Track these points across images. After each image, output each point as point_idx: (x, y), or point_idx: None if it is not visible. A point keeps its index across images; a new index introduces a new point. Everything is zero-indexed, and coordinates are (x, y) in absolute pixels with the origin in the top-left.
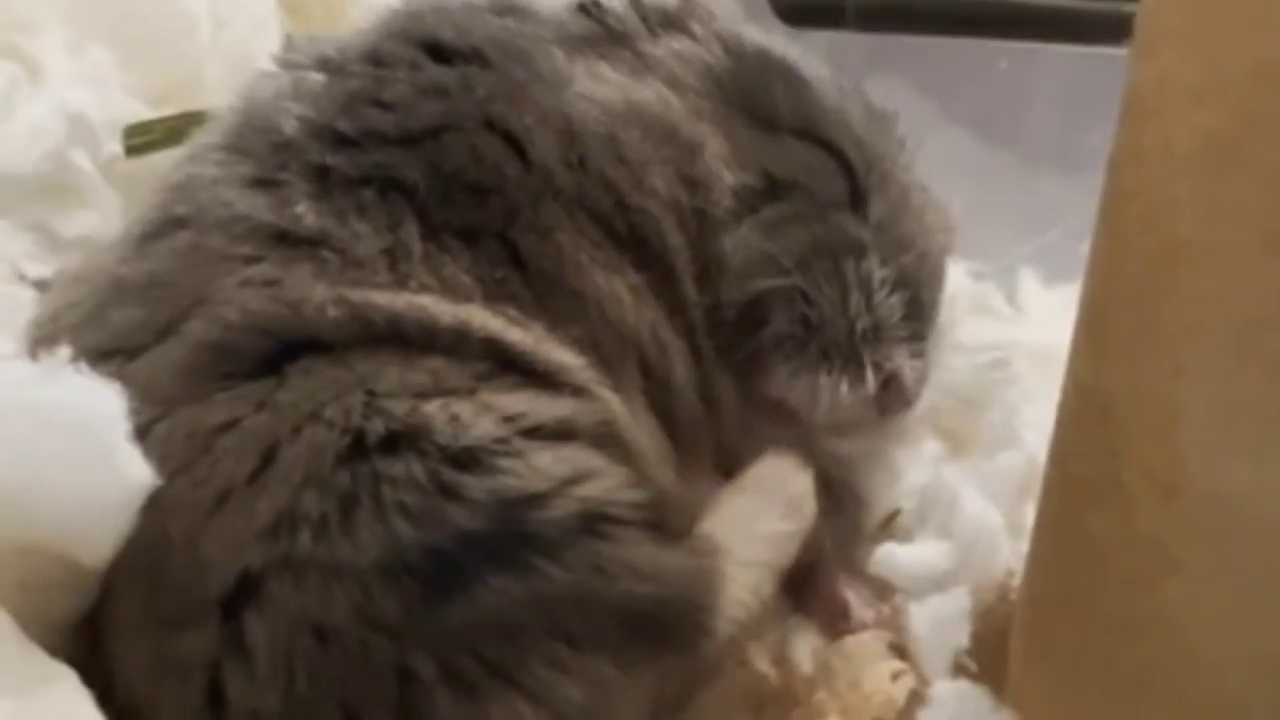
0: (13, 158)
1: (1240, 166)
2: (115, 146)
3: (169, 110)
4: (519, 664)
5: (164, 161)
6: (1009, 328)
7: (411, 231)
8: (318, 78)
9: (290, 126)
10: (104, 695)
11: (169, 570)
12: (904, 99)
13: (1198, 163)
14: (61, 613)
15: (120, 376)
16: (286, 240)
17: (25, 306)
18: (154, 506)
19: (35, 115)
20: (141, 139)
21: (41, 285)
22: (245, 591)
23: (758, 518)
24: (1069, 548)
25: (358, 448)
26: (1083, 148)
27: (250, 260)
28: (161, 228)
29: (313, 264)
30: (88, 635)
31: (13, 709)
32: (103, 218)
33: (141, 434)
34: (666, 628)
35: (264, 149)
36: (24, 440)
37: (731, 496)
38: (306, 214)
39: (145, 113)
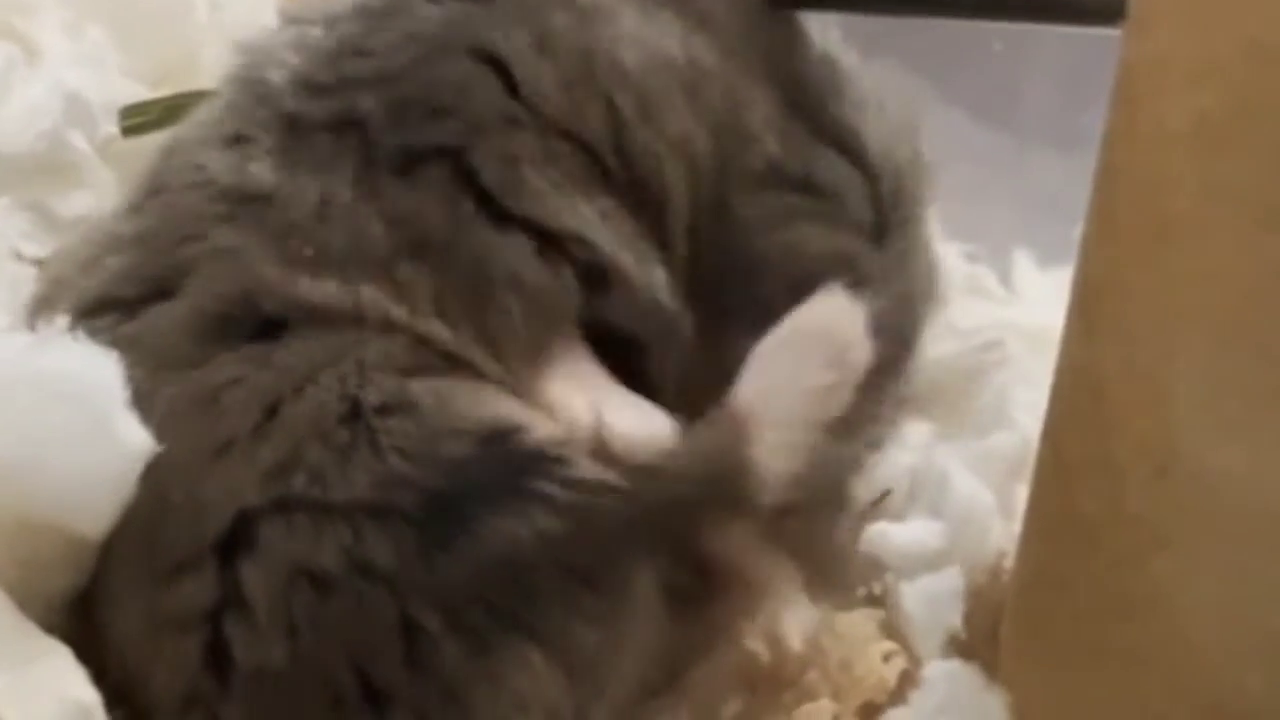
0: (10, 138)
1: (1233, 146)
2: (112, 127)
3: (166, 91)
4: (528, 608)
5: (159, 142)
6: (1002, 309)
7: (345, 176)
8: (316, 32)
9: (276, 79)
10: (99, 673)
11: (166, 525)
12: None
13: (1191, 142)
14: (58, 589)
15: (119, 334)
16: (246, 199)
17: (22, 284)
18: (154, 469)
19: (32, 96)
20: (138, 119)
21: (39, 264)
22: (241, 537)
23: (796, 371)
24: (1060, 527)
25: (355, 411)
26: (1079, 129)
27: (222, 219)
28: (149, 190)
29: (262, 230)
30: (82, 611)
31: (6, 685)
32: (99, 198)
33: (146, 397)
34: (696, 521)
35: (249, 104)
36: (22, 413)
37: (769, 349)
38: (263, 171)
39: (142, 94)
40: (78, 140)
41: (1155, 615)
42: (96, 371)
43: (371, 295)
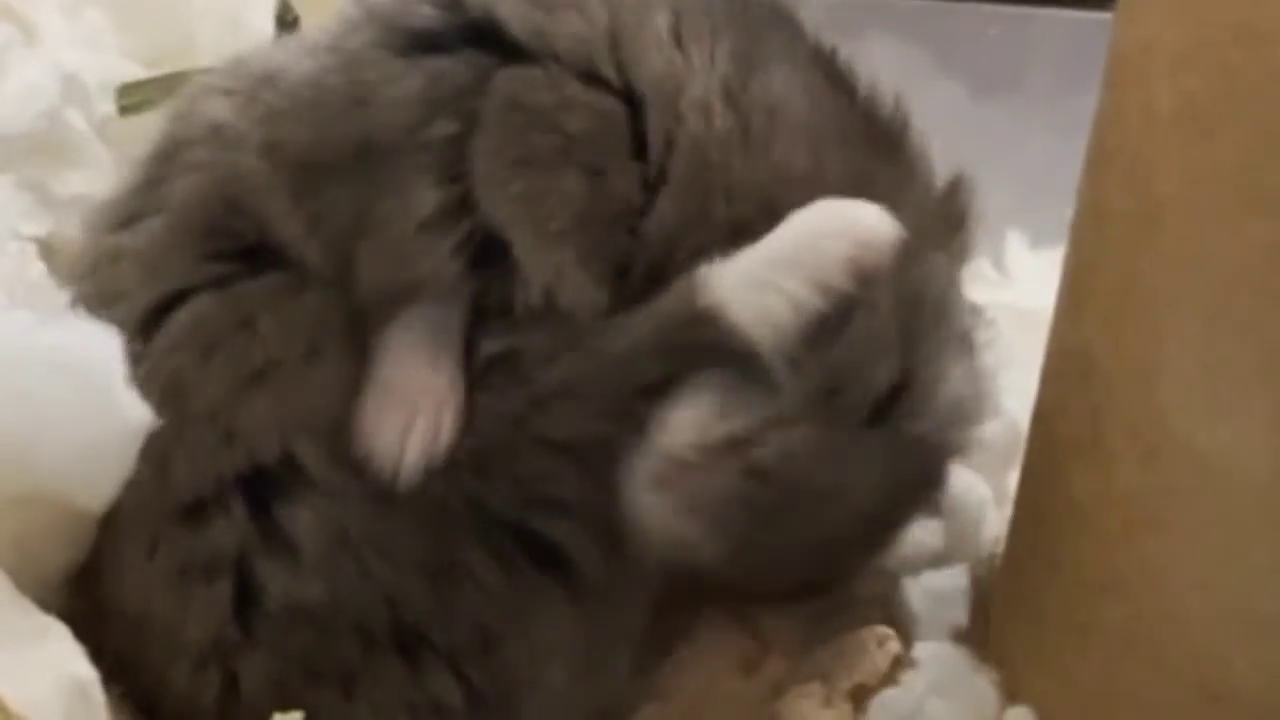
0: (8, 118)
1: (1220, 129)
2: (109, 107)
3: (162, 71)
4: (537, 515)
5: (156, 121)
6: (993, 291)
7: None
8: None
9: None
10: (96, 651)
11: (177, 463)
12: (897, 51)
13: (1179, 125)
14: (55, 565)
15: (119, 249)
16: (257, 68)
17: (24, 263)
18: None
19: (30, 76)
20: (134, 99)
21: (37, 242)
22: (285, 475)
23: (786, 227)
24: (1051, 507)
25: None
26: (1076, 111)
27: (222, 92)
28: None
29: (252, 108)
30: (80, 587)
31: (4, 662)
32: (97, 176)
33: (153, 320)
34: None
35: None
36: (24, 389)
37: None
38: (286, 59)
39: (139, 74)
40: (76, 120)
41: (1144, 595)
42: (98, 347)
43: (317, 251)
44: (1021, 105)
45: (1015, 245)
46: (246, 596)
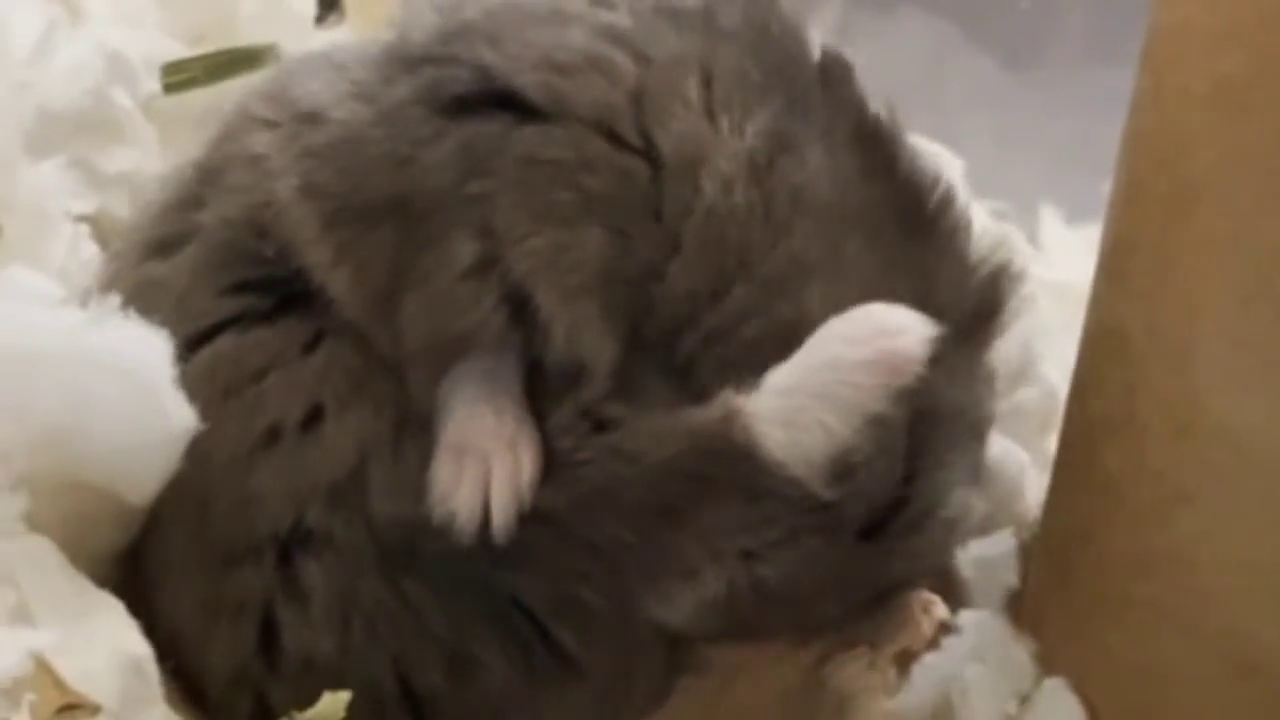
0: (54, 96)
1: (1254, 110)
2: (154, 84)
3: (205, 49)
4: (561, 610)
5: (201, 99)
6: (1029, 266)
7: (386, 101)
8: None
9: (425, 17)
10: (148, 627)
11: (216, 505)
12: (928, 25)
13: (1212, 106)
14: (105, 546)
15: (154, 281)
16: (299, 106)
17: (78, 243)
18: (200, 434)
19: (75, 54)
20: (179, 77)
21: (85, 220)
22: (300, 533)
23: (820, 347)
24: (1086, 483)
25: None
26: (1108, 85)
27: (264, 125)
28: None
29: (293, 144)
30: (131, 568)
31: (61, 636)
32: (142, 154)
33: (183, 354)
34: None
35: (381, 46)
36: (73, 383)
37: (815, 338)
38: (322, 92)
39: (182, 52)
40: (121, 98)
41: (1176, 569)
42: (146, 350)
43: (343, 281)
44: (1052, 79)
45: (1050, 220)
46: (270, 636)
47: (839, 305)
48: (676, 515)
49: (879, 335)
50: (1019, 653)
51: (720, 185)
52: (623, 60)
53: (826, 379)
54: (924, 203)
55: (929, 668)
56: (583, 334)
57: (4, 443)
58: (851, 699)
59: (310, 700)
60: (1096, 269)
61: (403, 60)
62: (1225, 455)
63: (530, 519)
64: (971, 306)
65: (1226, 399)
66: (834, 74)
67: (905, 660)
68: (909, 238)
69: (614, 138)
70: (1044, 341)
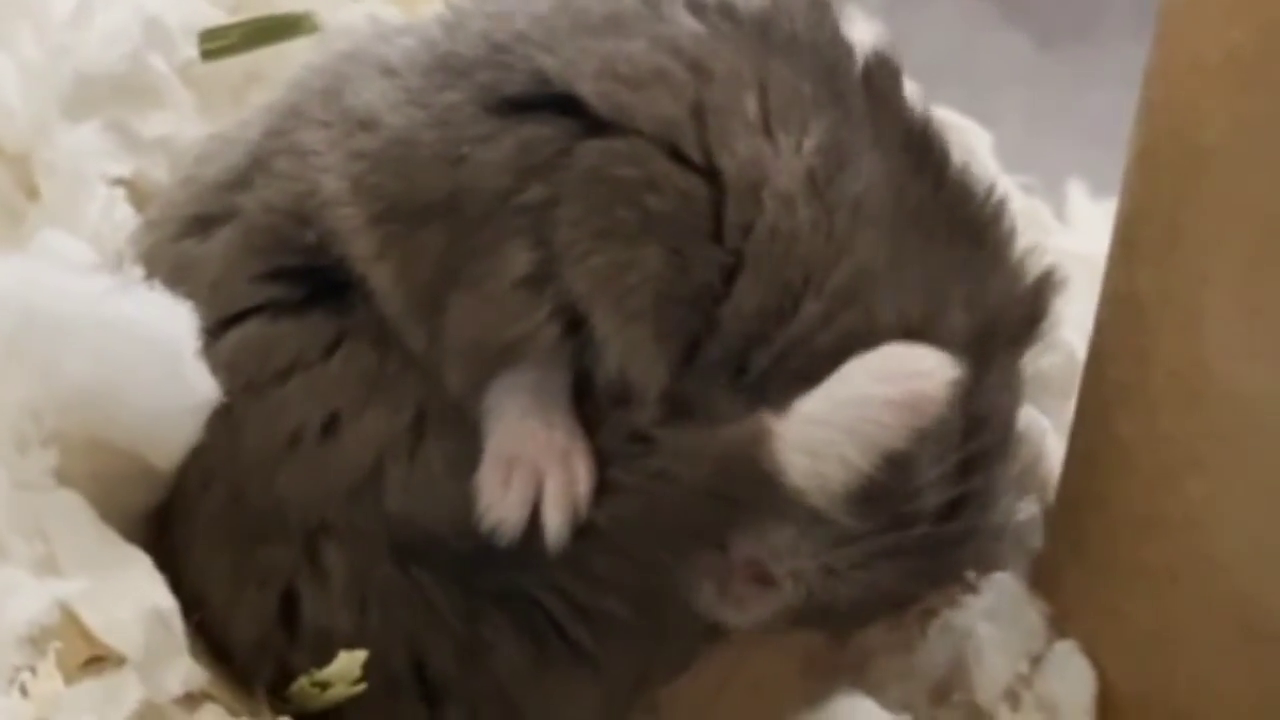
0: (92, 60)
1: (1264, 80)
2: (191, 51)
3: (243, 16)
4: (581, 614)
5: (238, 66)
6: (1055, 239)
7: (439, 111)
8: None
9: (473, 23)
10: (175, 582)
11: (247, 488)
12: (963, 2)
13: (1224, 77)
14: (133, 504)
15: (190, 260)
16: (353, 116)
17: (113, 207)
18: (226, 417)
19: (113, 20)
20: (217, 44)
21: (122, 183)
22: (322, 526)
23: (848, 382)
24: (1100, 448)
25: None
26: (1141, 62)
27: (316, 124)
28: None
29: (346, 142)
30: (159, 526)
31: (89, 588)
32: (179, 119)
33: (213, 335)
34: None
35: (429, 43)
36: (100, 349)
37: (842, 372)
38: (380, 105)
39: (220, 18)
40: (158, 63)
41: (1187, 534)
42: (171, 321)
43: (385, 275)
44: (1086, 56)
45: (1076, 195)
46: (291, 609)
47: (904, 311)
48: (712, 535)
49: (909, 376)
50: (1032, 614)
51: (782, 204)
52: (683, 74)
53: (853, 414)
54: (979, 209)
55: (946, 626)
56: (636, 357)
57: (35, 400)
58: (872, 656)
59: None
60: (1112, 238)
61: (454, 69)
62: (1235, 421)
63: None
64: (1019, 313)
65: (1236, 366)
66: (882, 79)
67: (926, 618)
68: (963, 242)
69: (677, 155)
70: (1067, 310)
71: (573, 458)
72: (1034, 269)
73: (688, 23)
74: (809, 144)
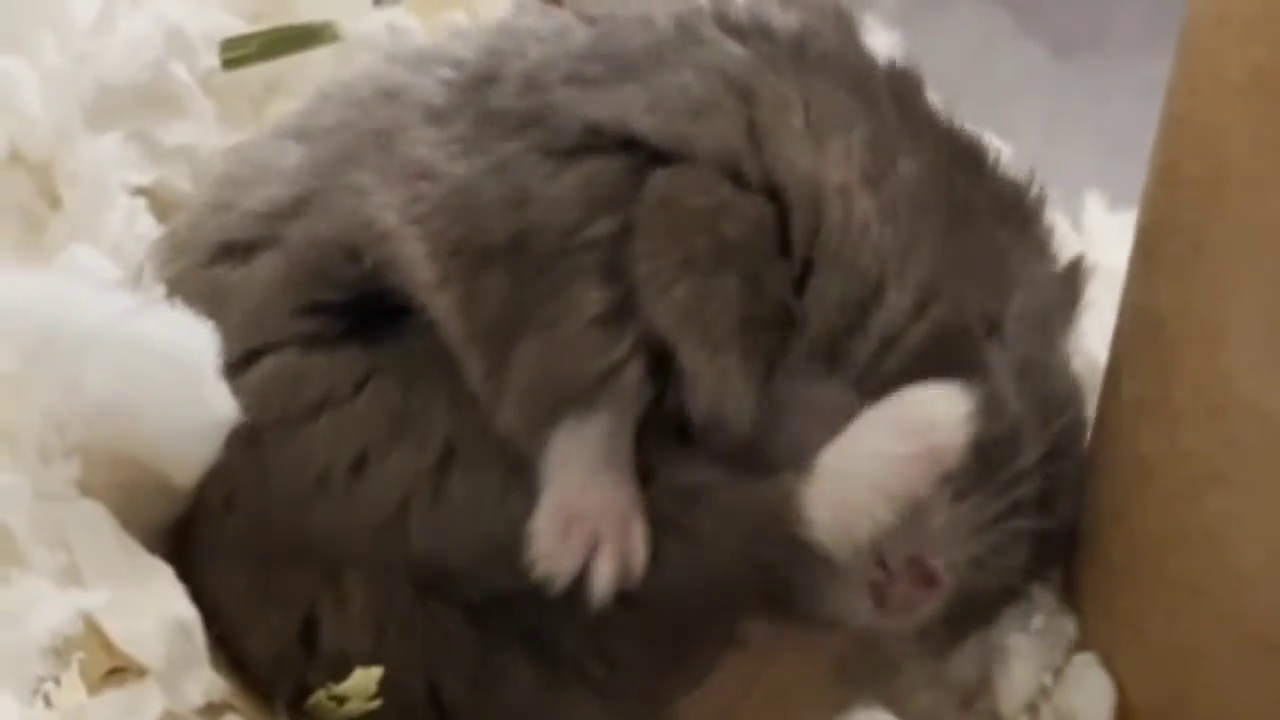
0: (114, 69)
1: None
2: (212, 60)
3: (263, 26)
4: (596, 652)
5: (258, 75)
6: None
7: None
8: (579, 34)
9: (509, 68)
10: (196, 594)
11: (274, 517)
12: (979, 11)
13: (1247, 94)
14: (155, 517)
15: (225, 286)
16: (411, 167)
17: (131, 218)
18: (254, 445)
19: (135, 29)
20: (237, 53)
21: (143, 192)
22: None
23: (878, 441)
24: (1120, 462)
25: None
26: (1158, 73)
27: (367, 168)
28: (341, 125)
29: (401, 183)
30: (180, 543)
31: (113, 598)
32: (200, 128)
33: (244, 364)
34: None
35: (470, 84)
36: (122, 365)
37: (862, 421)
38: (439, 158)
39: (241, 28)
40: (180, 72)
41: (1207, 548)
42: (191, 341)
43: (448, 303)
44: (1103, 67)
45: (1093, 206)
46: (311, 631)
47: (984, 300)
48: (742, 597)
49: (927, 429)
50: (1064, 625)
51: (842, 199)
52: (733, 100)
53: (874, 469)
54: (1022, 197)
55: (978, 635)
56: (727, 387)
57: (58, 412)
58: (901, 662)
59: None
60: (1132, 251)
61: (506, 123)
62: (1256, 436)
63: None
64: (1063, 295)
65: (1258, 381)
66: (906, 89)
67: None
68: (1012, 229)
69: (739, 179)
70: (1089, 319)
71: (632, 526)
72: (1066, 255)
73: (729, 47)
74: (855, 144)
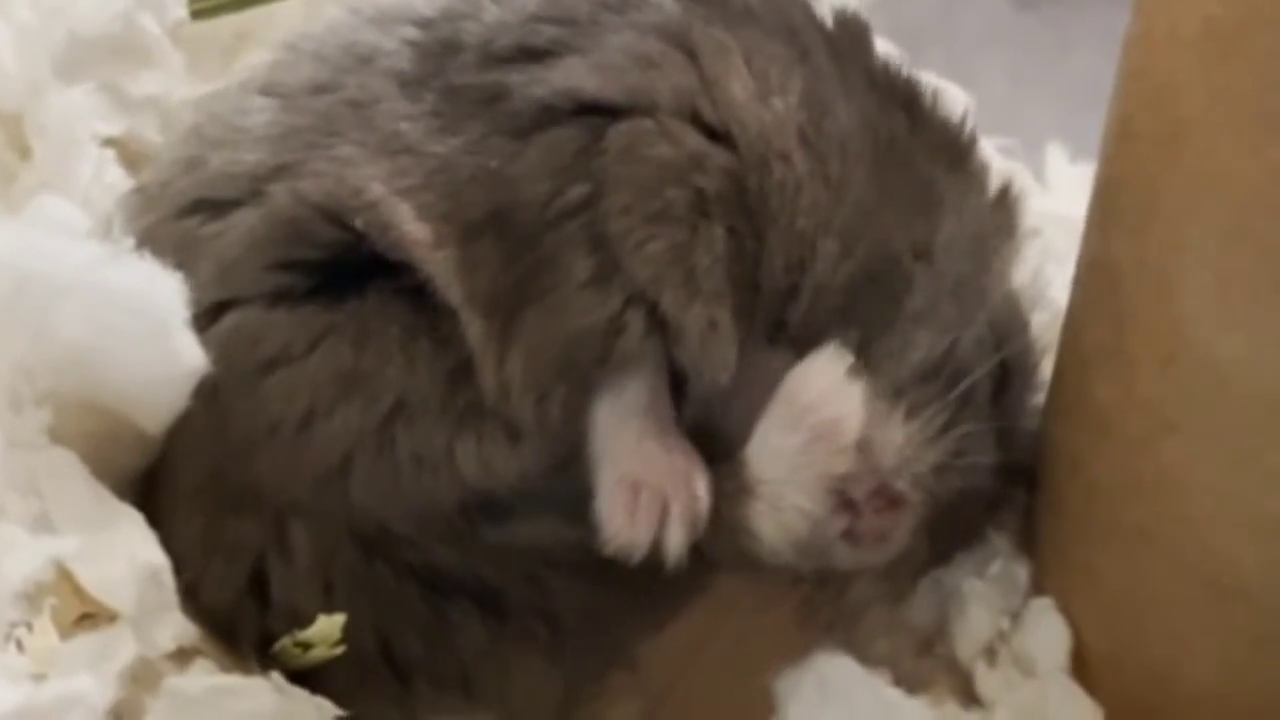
0: (84, 21)
1: (1239, 53)
2: (181, 11)
3: None
4: (541, 600)
5: (227, 26)
6: (1035, 201)
7: (473, 135)
8: None
9: (468, 39)
10: (166, 538)
11: (227, 467)
12: None
13: (1200, 49)
14: (125, 465)
15: (199, 234)
16: (391, 142)
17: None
18: (214, 398)
19: None
20: (207, 4)
21: (112, 142)
22: (290, 506)
23: (772, 436)
24: (1076, 411)
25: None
26: (1119, 25)
27: (351, 142)
28: (281, 87)
29: (385, 156)
30: (149, 488)
31: (84, 545)
32: (169, 79)
33: (211, 316)
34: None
35: (435, 46)
36: (92, 314)
37: (769, 419)
38: (413, 130)
39: None
40: (149, 23)
41: (1161, 496)
42: (161, 292)
43: (445, 263)
44: (1064, 18)
45: (1055, 157)
46: (261, 584)
47: (909, 232)
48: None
49: (814, 410)
50: (1018, 571)
51: (784, 163)
52: (677, 54)
53: (785, 469)
54: (955, 139)
55: (936, 581)
56: (715, 339)
57: (28, 361)
58: (865, 607)
59: None
60: (1089, 204)
61: (470, 96)
62: (1209, 386)
63: (534, 547)
64: (997, 221)
65: (1210, 332)
66: (844, 36)
67: (917, 571)
68: (939, 165)
69: (701, 125)
70: (1052, 268)
71: (693, 477)
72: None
73: (664, 5)
74: (793, 100)
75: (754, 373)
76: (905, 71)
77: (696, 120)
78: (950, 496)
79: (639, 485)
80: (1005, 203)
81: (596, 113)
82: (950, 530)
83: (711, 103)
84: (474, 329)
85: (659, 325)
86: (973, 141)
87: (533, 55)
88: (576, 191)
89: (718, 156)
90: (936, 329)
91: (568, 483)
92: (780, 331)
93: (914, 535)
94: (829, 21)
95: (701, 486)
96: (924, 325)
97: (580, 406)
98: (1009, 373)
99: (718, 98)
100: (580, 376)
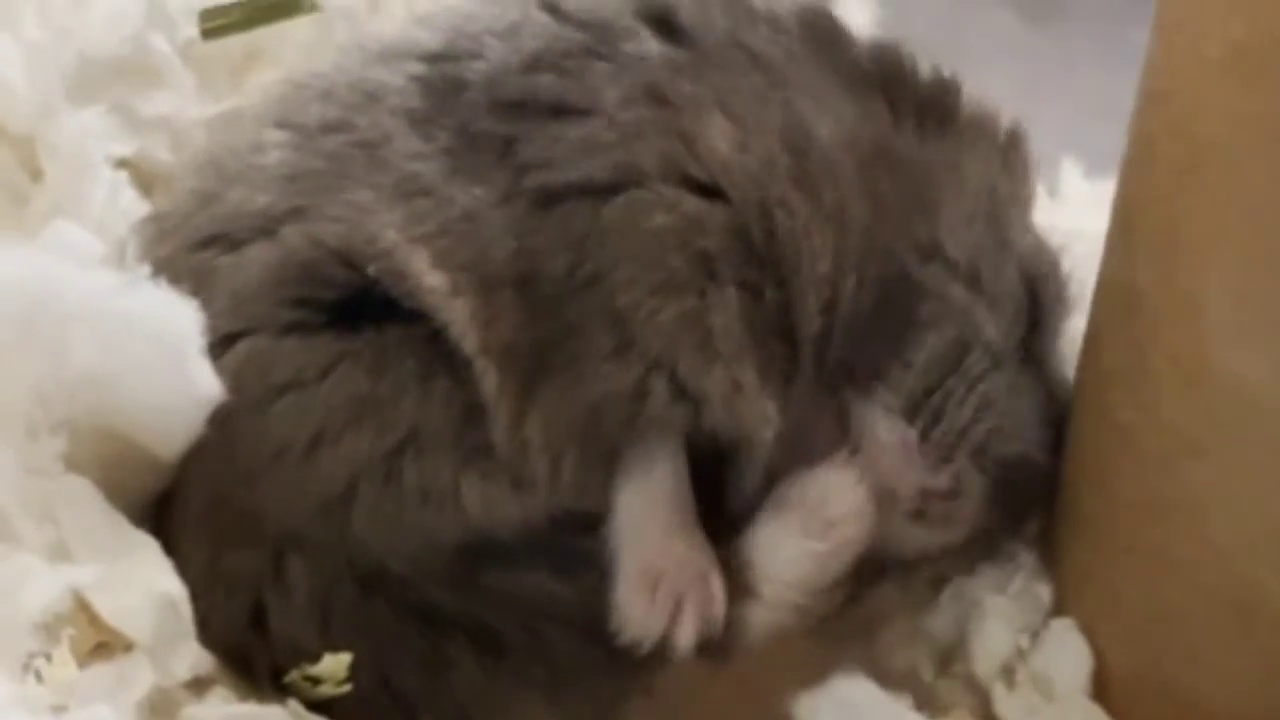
0: (95, 42)
1: (1263, 76)
2: (192, 30)
3: None
4: (540, 652)
5: (238, 45)
6: (1047, 215)
7: (495, 191)
8: (541, 18)
9: (472, 77)
10: (181, 567)
11: (231, 493)
12: None
13: (1225, 72)
14: (141, 491)
15: (213, 265)
16: (407, 184)
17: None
18: (224, 423)
19: (115, 1)
20: (217, 23)
21: (124, 164)
22: (290, 536)
23: (793, 539)
24: (1098, 431)
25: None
26: (1129, 40)
27: (366, 187)
28: (296, 127)
29: (402, 203)
30: (163, 514)
31: (101, 574)
32: (180, 99)
33: (223, 345)
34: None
35: (441, 83)
36: (108, 341)
37: (774, 514)
38: (429, 170)
39: None
40: (159, 43)
41: (1183, 517)
42: (176, 318)
43: (462, 311)
44: (1073, 33)
45: (1069, 173)
46: (260, 618)
47: (916, 235)
48: None
49: (828, 528)
50: (1040, 589)
51: (783, 208)
52: (658, 116)
53: (790, 572)
54: (934, 97)
55: (956, 593)
56: (743, 401)
57: (44, 387)
58: (881, 619)
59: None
60: (1110, 224)
61: (477, 137)
62: (1233, 408)
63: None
64: (1006, 170)
65: (1234, 354)
66: (814, 35)
67: (939, 583)
68: (929, 138)
69: (693, 184)
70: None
71: (711, 577)
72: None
73: (645, 53)
74: (775, 139)
75: (809, 418)
76: (877, 48)
77: (687, 181)
78: (1010, 457)
79: (658, 578)
80: (1013, 144)
81: (592, 192)
82: (1017, 493)
83: (697, 160)
84: (488, 380)
85: (682, 392)
86: (957, 90)
87: (535, 109)
88: (590, 267)
89: (715, 214)
90: (954, 320)
91: (568, 540)
92: (822, 372)
93: (983, 507)
94: (795, 22)
95: (718, 587)
96: (941, 321)
97: (595, 471)
98: (1041, 310)
99: (702, 153)
100: (603, 443)
